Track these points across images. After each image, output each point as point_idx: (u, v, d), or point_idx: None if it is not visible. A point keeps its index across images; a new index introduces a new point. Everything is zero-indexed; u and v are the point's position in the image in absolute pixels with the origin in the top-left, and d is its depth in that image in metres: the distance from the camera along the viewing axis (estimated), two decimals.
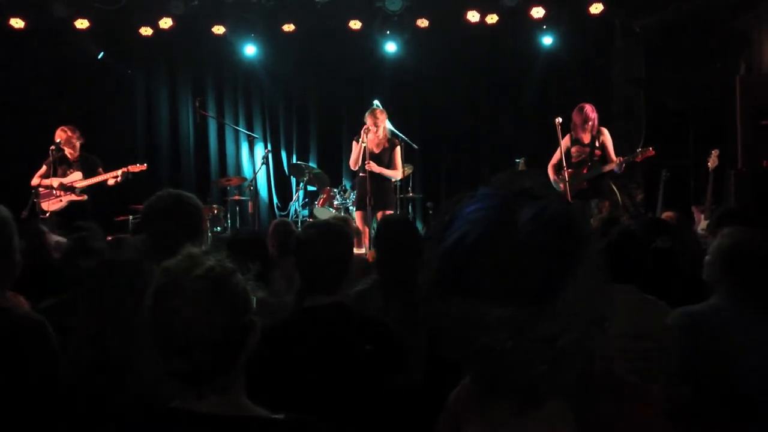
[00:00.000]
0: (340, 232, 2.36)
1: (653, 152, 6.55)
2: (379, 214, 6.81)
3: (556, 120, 6.59)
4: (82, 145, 7.26)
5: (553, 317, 0.80)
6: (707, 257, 2.60)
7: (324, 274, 2.31)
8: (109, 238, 4.85)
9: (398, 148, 7.05)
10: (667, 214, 5.31)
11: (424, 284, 0.88)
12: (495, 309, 0.80)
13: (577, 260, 0.82)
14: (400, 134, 7.53)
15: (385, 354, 2.22)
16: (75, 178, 7.14)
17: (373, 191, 6.74)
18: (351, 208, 7.97)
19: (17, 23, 8.06)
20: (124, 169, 7.15)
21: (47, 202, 7.07)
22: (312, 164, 9.33)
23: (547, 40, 8.87)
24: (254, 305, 1.47)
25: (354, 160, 6.97)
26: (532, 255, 0.80)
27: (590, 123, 6.68)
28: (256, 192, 8.79)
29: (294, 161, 9.67)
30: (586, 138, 6.75)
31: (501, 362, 0.82)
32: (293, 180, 9.59)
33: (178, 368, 1.39)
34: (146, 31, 8.52)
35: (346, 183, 9.08)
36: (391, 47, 9.01)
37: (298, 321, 2.34)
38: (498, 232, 0.82)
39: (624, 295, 2.55)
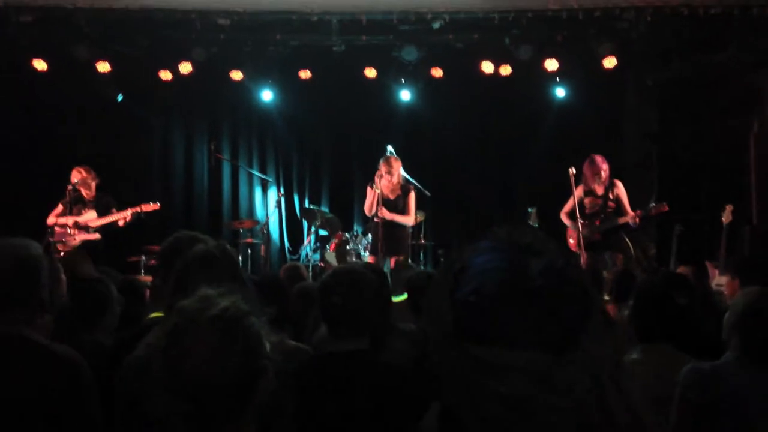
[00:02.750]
0: (365, 278, 2.35)
1: (667, 208, 6.53)
2: (393, 260, 6.82)
3: (570, 170, 6.61)
4: (97, 185, 7.34)
5: (570, 367, 0.82)
6: (726, 316, 2.55)
7: (348, 320, 2.30)
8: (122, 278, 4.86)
9: (412, 194, 7.10)
10: (682, 269, 5.22)
11: (436, 334, 0.88)
12: (517, 357, 0.81)
13: (588, 311, 0.85)
14: (413, 181, 7.57)
15: (406, 402, 2.20)
16: (89, 217, 7.20)
17: (386, 237, 6.78)
18: (363, 253, 7.97)
19: (40, 65, 8.23)
20: (135, 209, 7.21)
21: (62, 241, 7.12)
22: (324, 209, 9.36)
23: (560, 92, 8.95)
24: (268, 349, 1.45)
25: (369, 206, 7.02)
26: (550, 305, 0.83)
27: (602, 174, 6.68)
28: (268, 235, 8.81)
29: (306, 205, 9.72)
30: (600, 190, 6.75)
31: (518, 411, 0.82)
32: (305, 224, 9.62)
33: (188, 411, 1.37)
34: (166, 75, 8.67)
35: (358, 228, 9.10)
36: (405, 95, 9.12)
37: (319, 366, 2.33)
38: (515, 282, 0.84)
39: (659, 355, 2.47)
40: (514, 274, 0.84)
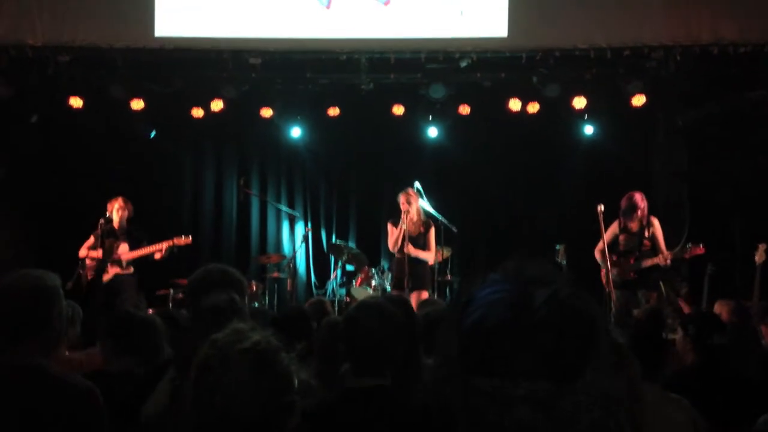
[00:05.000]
0: (390, 313, 2.32)
1: (703, 250, 6.45)
2: (414, 295, 6.80)
3: (598, 207, 6.57)
4: (129, 219, 7.44)
5: (574, 396, 0.82)
6: None
7: (372, 356, 2.27)
8: (151, 311, 4.91)
9: (432, 230, 7.13)
10: (722, 306, 5.02)
11: (443, 367, 0.90)
12: (517, 387, 0.82)
13: (592, 341, 0.85)
14: (440, 216, 7.59)
15: None
16: (122, 250, 7.27)
17: (410, 273, 6.78)
18: (389, 288, 7.96)
19: (76, 102, 8.44)
20: (170, 243, 7.27)
21: (93, 274, 7.19)
22: (351, 244, 9.39)
23: (589, 130, 8.93)
24: (296, 386, 1.45)
25: (393, 242, 7.04)
26: (548, 336, 0.83)
27: (639, 211, 6.63)
28: (294, 270, 8.84)
29: (333, 241, 9.75)
30: (635, 227, 6.69)
31: None
32: (332, 259, 9.64)
33: None
34: (198, 112, 8.84)
35: (384, 263, 9.09)
36: (433, 132, 9.17)
37: (341, 402, 2.30)
38: (516, 313, 0.85)
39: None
40: (517, 306, 0.85)
